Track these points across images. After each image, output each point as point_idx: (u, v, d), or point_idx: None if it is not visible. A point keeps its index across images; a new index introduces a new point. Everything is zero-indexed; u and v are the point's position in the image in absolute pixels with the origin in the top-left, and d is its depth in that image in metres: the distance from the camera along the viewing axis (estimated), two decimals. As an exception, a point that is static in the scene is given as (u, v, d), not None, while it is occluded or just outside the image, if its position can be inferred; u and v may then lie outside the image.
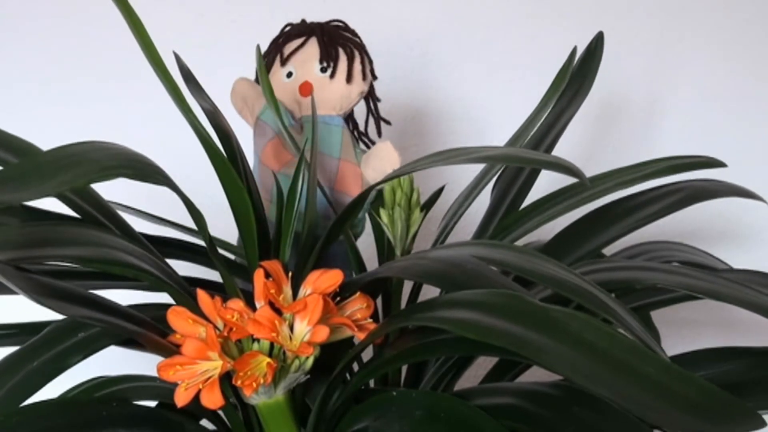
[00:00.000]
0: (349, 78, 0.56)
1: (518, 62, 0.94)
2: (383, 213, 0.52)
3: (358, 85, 0.57)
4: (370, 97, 0.60)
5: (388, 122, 0.61)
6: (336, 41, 0.57)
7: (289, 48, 0.57)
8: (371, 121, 0.61)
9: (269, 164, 0.55)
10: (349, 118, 0.59)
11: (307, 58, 0.56)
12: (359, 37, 0.59)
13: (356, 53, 0.57)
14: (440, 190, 0.66)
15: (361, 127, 0.61)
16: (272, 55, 0.58)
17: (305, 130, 0.57)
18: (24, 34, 0.89)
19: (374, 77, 0.60)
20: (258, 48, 0.54)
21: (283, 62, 0.57)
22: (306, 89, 0.56)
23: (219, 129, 0.50)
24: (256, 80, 0.59)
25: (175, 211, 0.59)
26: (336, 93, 0.56)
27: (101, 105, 0.89)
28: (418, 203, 0.53)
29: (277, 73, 0.57)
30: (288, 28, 0.59)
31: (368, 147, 0.60)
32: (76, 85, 0.89)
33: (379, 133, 0.61)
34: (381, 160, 0.54)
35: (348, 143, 0.57)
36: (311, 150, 0.50)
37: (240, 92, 0.58)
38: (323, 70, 0.56)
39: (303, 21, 0.59)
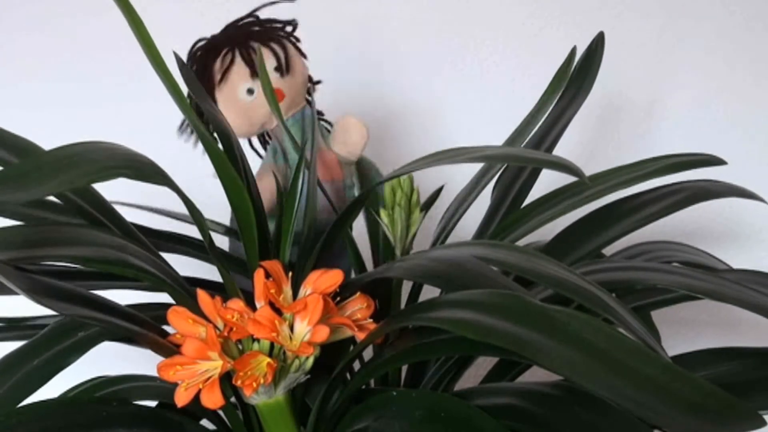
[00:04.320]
0: (287, 71, 0.55)
1: (519, 62, 0.94)
2: (383, 213, 0.52)
3: (303, 73, 0.56)
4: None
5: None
6: (264, 42, 0.55)
7: (221, 68, 0.55)
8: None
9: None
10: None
11: (243, 74, 0.54)
12: (267, 23, 0.57)
13: (278, 46, 0.55)
14: (439, 190, 0.66)
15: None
16: (205, 75, 0.56)
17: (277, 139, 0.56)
18: (24, 34, 0.89)
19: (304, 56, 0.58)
20: (259, 49, 0.54)
21: (220, 82, 0.55)
22: (280, 96, 0.55)
23: (219, 128, 0.50)
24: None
25: (175, 210, 0.59)
26: (290, 92, 0.55)
27: (101, 105, 0.89)
28: (418, 203, 0.53)
29: (229, 95, 0.55)
30: (198, 51, 0.57)
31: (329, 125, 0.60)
32: (76, 84, 0.89)
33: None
34: (347, 132, 0.54)
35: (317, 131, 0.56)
36: (311, 149, 0.50)
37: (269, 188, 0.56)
38: (278, 70, 0.55)
39: (204, 40, 0.57)
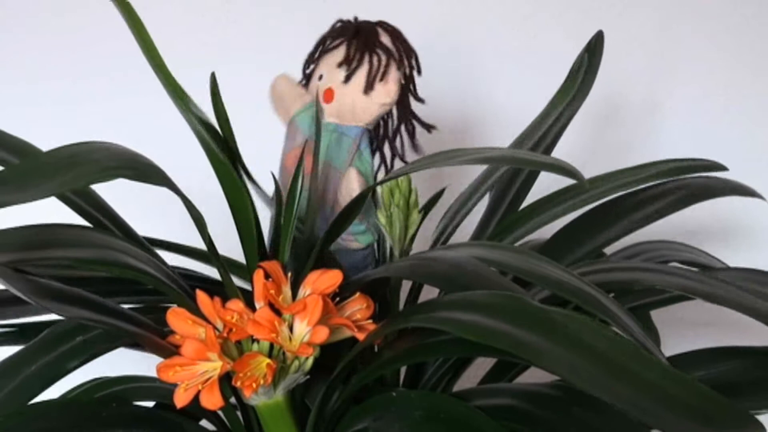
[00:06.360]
0: (366, 88, 0.52)
1: (518, 62, 0.94)
2: (381, 214, 0.52)
3: (380, 97, 0.52)
4: (404, 109, 0.56)
5: (427, 129, 0.59)
6: (366, 47, 0.53)
7: (324, 48, 0.54)
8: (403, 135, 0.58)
9: (290, 170, 0.54)
10: (380, 130, 0.56)
11: (335, 62, 0.53)
12: (404, 44, 0.55)
13: (383, 62, 0.52)
14: (440, 193, 0.66)
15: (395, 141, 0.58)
16: (315, 54, 0.55)
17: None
18: (24, 33, 0.89)
19: (412, 90, 0.56)
20: (213, 75, 0.51)
21: (315, 61, 0.54)
22: (328, 96, 0.53)
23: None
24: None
25: (175, 211, 0.59)
26: (348, 102, 0.52)
27: (100, 105, 0.89)
28: (417, 204, 0.52)
29: (315, 74, 0.55)
30: (338, 25, 0.55)
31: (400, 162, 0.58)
32: (75, 84, 0.89)
33: (415, 148, 0.58)
34: (346, 186, 0.53)
35: (353, 156, 0.54)
36: (314, 153, 0.50)
37: (278, 90, 0.55)
38: (346, 77, 0.52)
39: (354, 20, 0.55)
